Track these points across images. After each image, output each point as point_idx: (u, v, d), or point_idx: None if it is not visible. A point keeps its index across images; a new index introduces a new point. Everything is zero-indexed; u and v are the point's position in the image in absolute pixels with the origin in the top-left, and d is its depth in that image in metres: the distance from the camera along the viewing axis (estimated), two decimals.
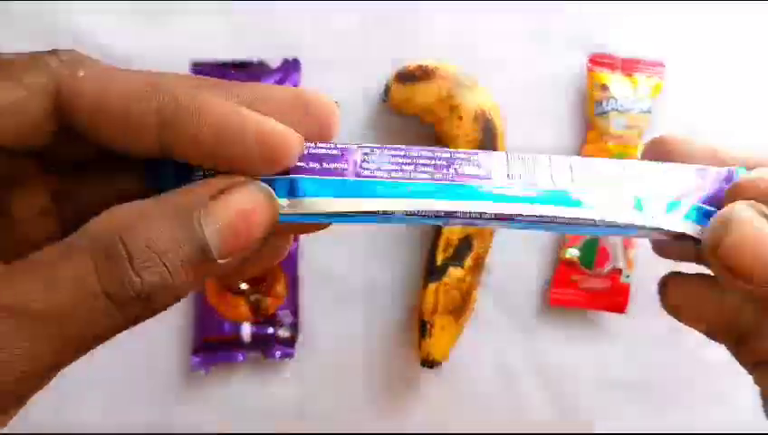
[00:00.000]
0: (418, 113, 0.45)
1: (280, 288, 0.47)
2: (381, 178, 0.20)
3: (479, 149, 0.22)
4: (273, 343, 0.47)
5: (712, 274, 0.20)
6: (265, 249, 0.20)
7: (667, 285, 0.23)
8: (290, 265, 0.47)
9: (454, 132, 0.44)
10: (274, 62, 0.46)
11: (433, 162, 0.21)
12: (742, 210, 0.19)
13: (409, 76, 0.45)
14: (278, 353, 0.47)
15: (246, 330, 0.46)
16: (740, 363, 0.22)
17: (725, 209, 0.19)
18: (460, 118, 0.44)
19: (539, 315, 0.49)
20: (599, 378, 0.49)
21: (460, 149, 0.21)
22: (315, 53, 0.47)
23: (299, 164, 0.20)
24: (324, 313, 0.48)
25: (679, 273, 0.23)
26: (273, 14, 0.47)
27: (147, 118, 0.17)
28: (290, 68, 0.46)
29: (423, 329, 0.45)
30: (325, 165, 0.20)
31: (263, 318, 0.46)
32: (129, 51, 0.45)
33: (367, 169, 0.20)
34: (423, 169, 0.21)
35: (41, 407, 0.46)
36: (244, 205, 0.18)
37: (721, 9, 0.48)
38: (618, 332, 0.48)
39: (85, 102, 0.17)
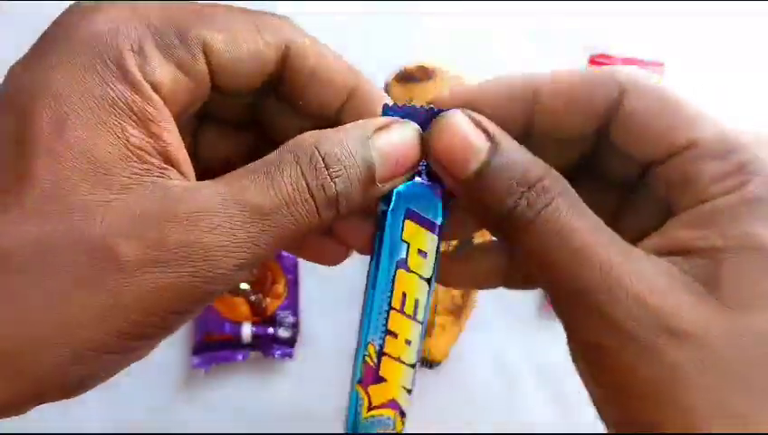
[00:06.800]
0: None
1: (280, 288, 0.47)
2: None
3: None
4: (273, 343, 0.47)
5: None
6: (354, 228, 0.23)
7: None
8: (290, 266, 0.47)
9: None
10: None
11: None
12: (453, 115, 0.20)
13: (409, 76, 0.45)
14: (278, 353, 0.47)
15: (246, 330, 0.46)
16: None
17: (440, 117, 0.21)
18: None
19: (539, 315, 0.48)
20: None
21: None
22: None
23: None
24: (324, 313, 0.48)
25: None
26: None
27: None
28: None
29: None
30: None
31: (263, 318, 0.47)
32: None
33: None
34: None
35: (41, 407, 0.45)
36: (400, 138, 0.20)
37: (721, 10, 0.48)
38: None
39: (307, 65, 0.21)
